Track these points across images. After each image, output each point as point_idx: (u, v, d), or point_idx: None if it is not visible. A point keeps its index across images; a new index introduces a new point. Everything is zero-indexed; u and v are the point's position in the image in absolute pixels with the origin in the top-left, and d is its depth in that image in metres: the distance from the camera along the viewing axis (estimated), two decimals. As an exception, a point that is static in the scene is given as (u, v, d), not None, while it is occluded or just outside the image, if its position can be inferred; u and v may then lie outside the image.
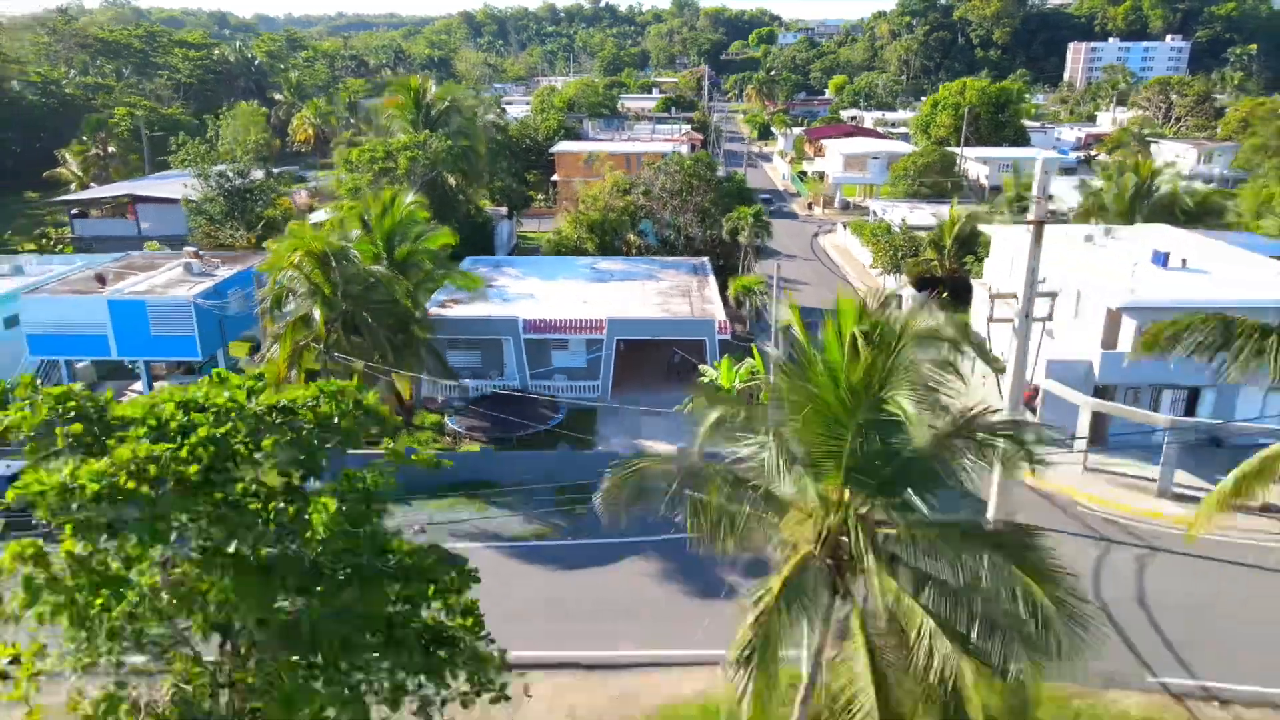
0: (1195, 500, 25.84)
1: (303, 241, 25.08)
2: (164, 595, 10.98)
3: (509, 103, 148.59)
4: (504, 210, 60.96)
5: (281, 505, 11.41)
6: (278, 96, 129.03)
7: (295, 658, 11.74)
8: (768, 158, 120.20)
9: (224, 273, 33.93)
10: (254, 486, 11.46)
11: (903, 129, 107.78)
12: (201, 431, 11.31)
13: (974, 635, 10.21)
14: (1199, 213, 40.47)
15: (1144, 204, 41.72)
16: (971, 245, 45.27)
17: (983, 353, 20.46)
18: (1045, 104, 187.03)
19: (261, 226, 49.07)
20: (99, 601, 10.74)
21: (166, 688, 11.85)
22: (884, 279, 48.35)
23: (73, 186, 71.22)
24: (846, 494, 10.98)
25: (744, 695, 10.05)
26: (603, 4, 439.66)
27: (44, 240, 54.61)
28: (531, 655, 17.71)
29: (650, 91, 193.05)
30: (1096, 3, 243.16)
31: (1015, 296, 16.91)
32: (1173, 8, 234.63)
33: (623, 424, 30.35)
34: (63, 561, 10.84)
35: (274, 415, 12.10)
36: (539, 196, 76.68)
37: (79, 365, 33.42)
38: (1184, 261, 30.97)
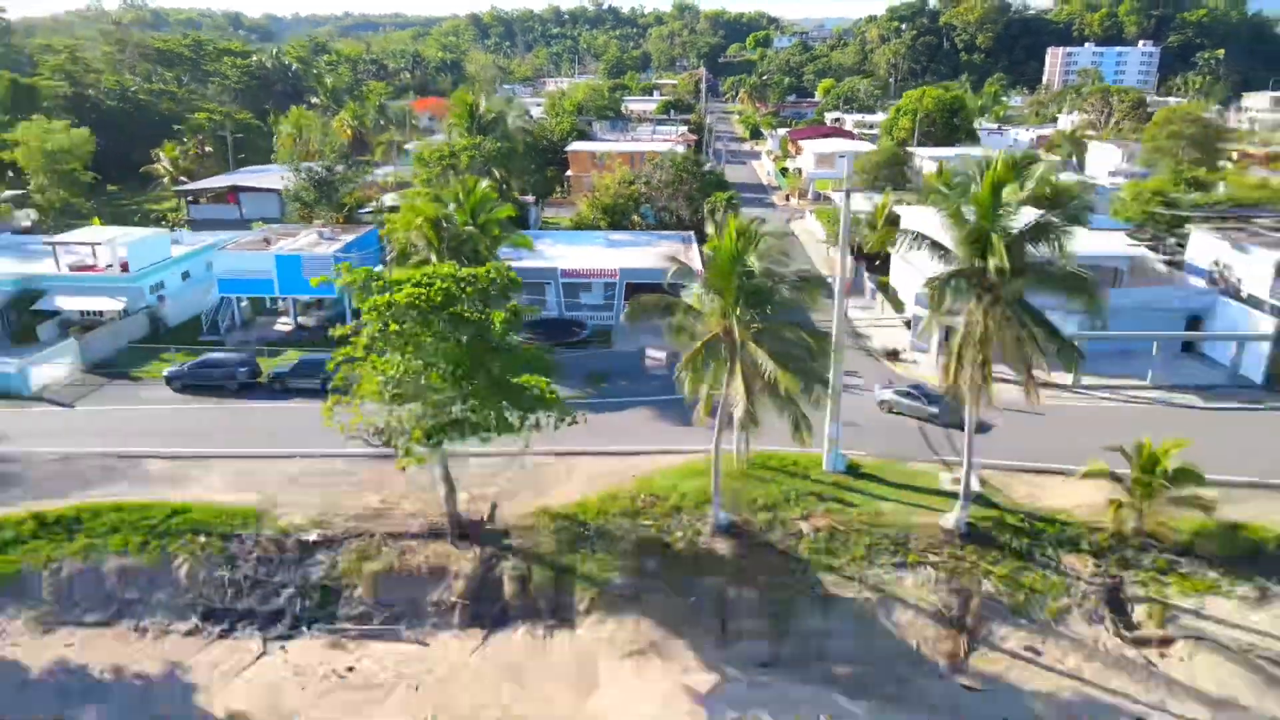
0: (1006, 381, 39.39)
1: (422, 210, 38.61)
2: (434, 354, 24.56)
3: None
4: (531, 198, 74.33)
5: (478, 317, 25.03)
6: (314, 100, 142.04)
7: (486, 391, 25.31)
8: (757, 155, 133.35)
9: (346, 238, 47.52)
10: (465, 308, 25.01)
11: (878, 130, 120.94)
12: (437, 285, 24.89)
13: (788, 363, 23.73)
14: (1055, 198, 53.80)
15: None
16: (899, 224, 58.64)
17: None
18: (1020, 106, 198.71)
19: (346, 210, 62.60)
20: (408, 350, 24.26)
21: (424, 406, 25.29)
22: (831, 251, 61.81)
23: (165, 180, 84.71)
24: (736, 309, 24.45)
25: (685, 382, 23.82)
26: (605, 6, 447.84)
27: (163, 222, 68.16)
28: (576, 448, 31.30)
29: (652, 94, 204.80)
30: (1075, 9, 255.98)
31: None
32: (1147, 14, 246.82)
33: (629, 338, 43.87)
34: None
35: (469, 278, 25.67)
36: (556, 190, 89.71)
37: (242, 304, 46.95)
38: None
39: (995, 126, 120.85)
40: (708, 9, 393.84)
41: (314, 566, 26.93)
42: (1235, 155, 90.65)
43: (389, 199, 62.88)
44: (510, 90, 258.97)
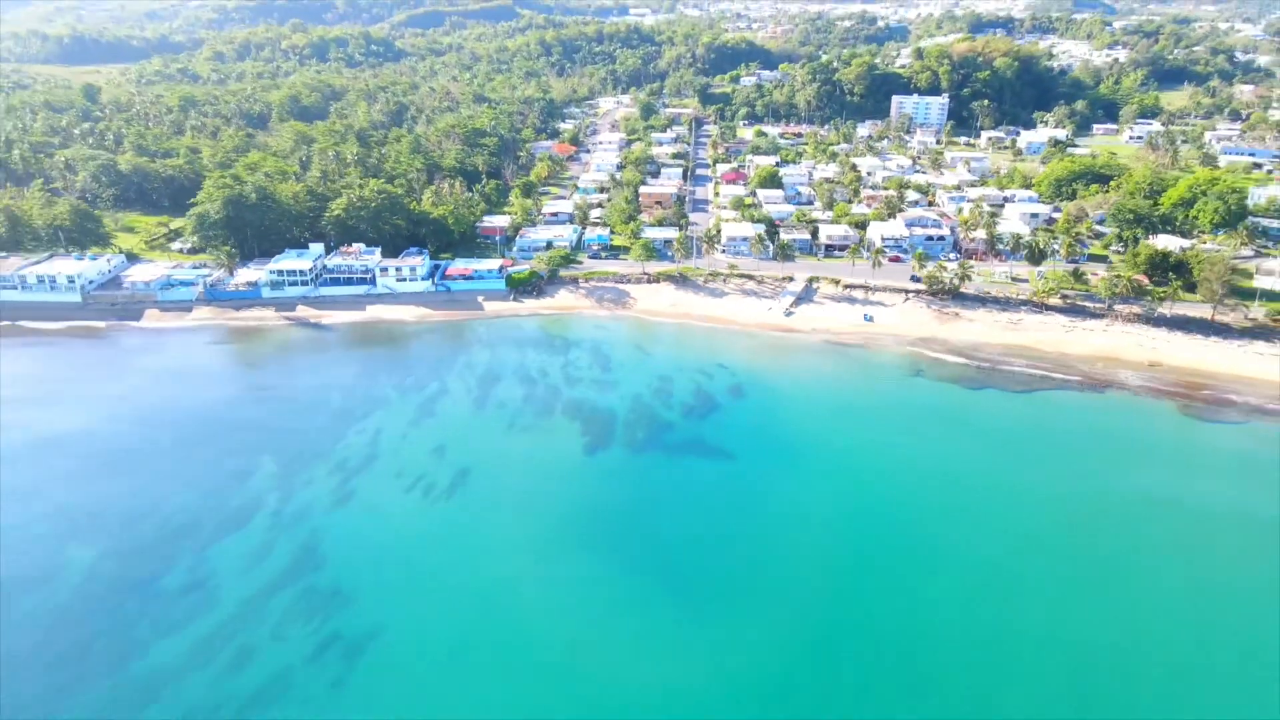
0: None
1: (629, 226, 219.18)
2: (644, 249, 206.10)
3: (597, 142, 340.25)
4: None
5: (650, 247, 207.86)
6: (519, 154, 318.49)
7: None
8: (709, 179, 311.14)
9: (605, 230, 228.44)
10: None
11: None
12: (646, 242, 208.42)
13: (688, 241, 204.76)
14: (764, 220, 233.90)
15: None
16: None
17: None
18: (865, 134, 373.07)
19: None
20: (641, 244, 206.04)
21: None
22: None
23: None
24: (681, 234, 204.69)
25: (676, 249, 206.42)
26: (633, 28, 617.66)
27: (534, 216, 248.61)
28: (659, 267, 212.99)
29: (666, 130, 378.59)
30: (917, 68, 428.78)
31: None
32: (957, 71, 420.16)
33: (662, 249, 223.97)
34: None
35: (647, 241, 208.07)
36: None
37: (588, 242, 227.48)
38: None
39: (793, 169, 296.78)
40: (706, 38, 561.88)
41: (611, 284, 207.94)
42: (864, 197, 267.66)
43: (594, 213, 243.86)
44: (579, 114, 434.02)
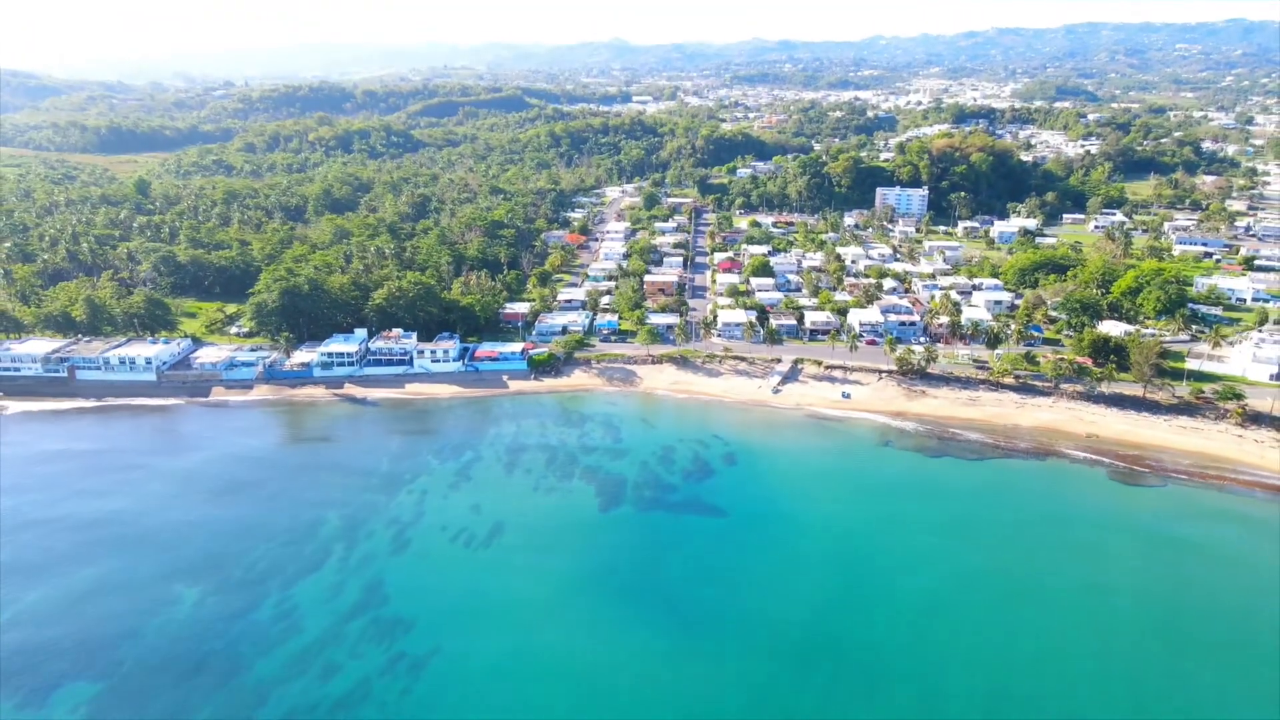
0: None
1: (634, 313, 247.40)
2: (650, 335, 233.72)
3: (605, 231, 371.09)
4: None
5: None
6: (534, 244, 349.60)
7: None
8: (707, 267, 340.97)
9: (615, 317, 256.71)
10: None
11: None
12: (650, 328, 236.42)
13: (687, 322, 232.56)
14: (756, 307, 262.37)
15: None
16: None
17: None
18: (850, 224, 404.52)
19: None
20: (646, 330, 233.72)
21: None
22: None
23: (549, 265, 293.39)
24: (684, 316, 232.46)
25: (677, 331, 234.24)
26: (636, 119, 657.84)
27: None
28: (663, 349, 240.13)
29: (669, 219, 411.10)
30: (899, 161, 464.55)
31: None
32: (936, 165, 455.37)
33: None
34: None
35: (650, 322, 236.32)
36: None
37: (596, 321, 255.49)
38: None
39: (783, 257, 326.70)
40: (704, 130, 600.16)
41: (620, 364, 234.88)
42: (846, 285, 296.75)
43: (604, 300, 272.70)
44: (589, 202, 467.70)
